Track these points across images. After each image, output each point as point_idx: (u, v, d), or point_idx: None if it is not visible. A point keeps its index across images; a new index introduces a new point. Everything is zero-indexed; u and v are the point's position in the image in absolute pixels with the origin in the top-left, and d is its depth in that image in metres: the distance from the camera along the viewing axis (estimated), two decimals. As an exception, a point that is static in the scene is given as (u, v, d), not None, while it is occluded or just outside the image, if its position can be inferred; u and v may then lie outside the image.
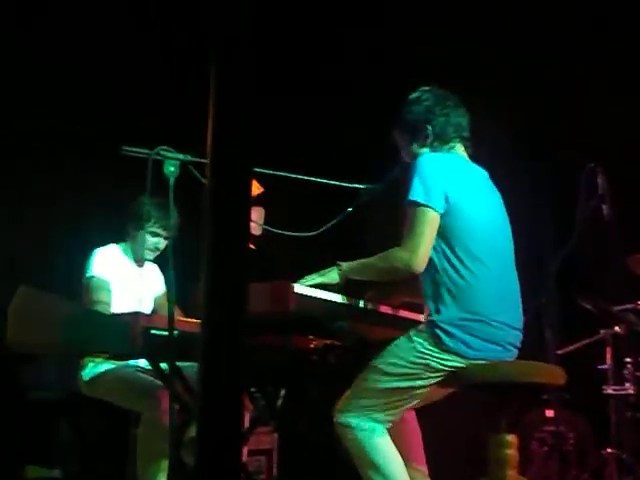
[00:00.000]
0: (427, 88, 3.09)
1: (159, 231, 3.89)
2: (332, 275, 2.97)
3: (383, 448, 2.80)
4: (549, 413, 4.79)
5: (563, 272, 4.20)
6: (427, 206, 2.82)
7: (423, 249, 2.79)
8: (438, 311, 2.81)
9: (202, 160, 2.81)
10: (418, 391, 2.81)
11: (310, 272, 3.03)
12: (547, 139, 5.75)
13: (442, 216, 2.83)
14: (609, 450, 4.49)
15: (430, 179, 2.84)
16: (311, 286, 2.93)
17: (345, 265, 2.98)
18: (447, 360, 2.77)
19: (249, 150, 1.17)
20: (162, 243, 3.93)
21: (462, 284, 2.81)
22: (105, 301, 3.73)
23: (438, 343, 2.78)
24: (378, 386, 2.82)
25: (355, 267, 2.98)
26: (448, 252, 2.84)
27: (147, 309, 3.95)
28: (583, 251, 4.72)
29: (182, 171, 2.88)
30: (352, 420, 2.81)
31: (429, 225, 2.81)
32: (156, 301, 4.08)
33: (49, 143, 5.12)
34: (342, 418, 2.84)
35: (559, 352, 4.58)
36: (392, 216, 3.01)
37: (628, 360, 4.51)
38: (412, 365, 2.79)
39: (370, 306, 3.11)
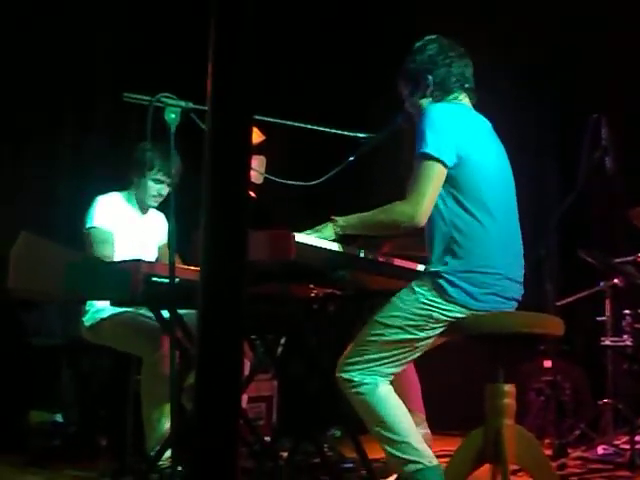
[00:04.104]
0: (432, 37, 3.05)
1: (162, 178, 3.88)
2: (327, 231, 2.92)
3: (388, 402, 2.80)
4: (546, 363, 4.83)
5: (564, 224, 4.20)
6: (437, 160, 2.78)
7: (427, 204, 2.77)
8: (444, 262, 2.80)
9: (203, 107, 2.80)
10: (421, 342, 2.81)
11: (310, 221, 3.02)
12: (552, 89, 5.71)
13: (452, 168, 2.81)
14: (605, 400, 4.54)
15: (442, 132, 2.81)
16: None
17: (341, 220, 2.93)
18: (450, 311, 2.76)
19: (250, 97, 1.16)
20: (165, 189, 3.92)
21: (470, 235, 2.80)
22: (108, 255, 3.71)
23: (442, 294, 2.77)
24: (381, 339, 2.81)
25: (352, 222, 2.93)
26: (456, 203, 2.81)
27: (150, 257, 3.95)
28: (585, 203, 4.72)
29: (183, 118, 2.86)
30: (355, 375, 2.81)
31: (435, 179, 2.78)
32: (160, 249, 4.09)
33: (50, 91, 5.09)
34: (345, 373, 2.83)
35: (558, 303, 4.60)
36: (394, 166, 2.99)
37: (627, 312, 4.53)
38: (415, 317, 2.79)
39: (370, 255, 3.11)
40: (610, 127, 4.07)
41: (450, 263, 2.79)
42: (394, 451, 2.75)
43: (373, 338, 2.83)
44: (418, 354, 2.87)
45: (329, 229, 2.93)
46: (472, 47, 3.09)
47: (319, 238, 2.89)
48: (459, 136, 2.83)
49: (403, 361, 2.85)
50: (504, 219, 2.90)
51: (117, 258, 3.71)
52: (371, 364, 2.80)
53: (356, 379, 2.80)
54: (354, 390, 2.81)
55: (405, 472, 2.75)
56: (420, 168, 2.80)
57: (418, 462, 2.72)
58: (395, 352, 2.82)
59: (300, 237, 2.78)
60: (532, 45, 5.67)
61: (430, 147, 2.79)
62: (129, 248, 3.83)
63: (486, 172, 2.87)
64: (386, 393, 2.81)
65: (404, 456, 2.74)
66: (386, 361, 2.81)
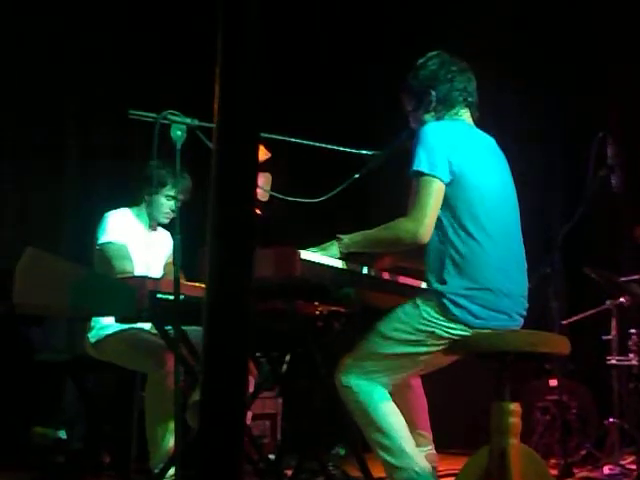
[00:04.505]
0: (434, 53, 3.07)
1: (175, 195, 3.88)
2: (332, 250, 2.94)
3: (385, 409, 2.82)
4: (552, 382, 4.81)
5: (570, 242, 4.19)
6: (432, 176, 2.79)
7: (429, 219, 2.78)
8: (443, 281, 2.80)
9: (209, 124, 2.80)
10: (421, 357, 2.82)
11: (317, 237, 3.03)
12: (557, 108, 5.71)
13: (447, 185, 2.82)
14: (611, 420, 4.52)
15: (434, 148, 2.82)
16: None
17: (346, 238, 2.95)
18: (453, 329, 2.77)
19: (256, 115, 1.17)
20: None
21: (467, 254, 2.80)
22: (128, 270, 3.70)
23: (445, 312, 2.77)
24: (381, 350, 2.84)
25: (357, 240, 2.95)
26: (453, 221, 2.82)
27: (156, 273, 3.95)
28: (591, 221, 4.71)
29: (189, 135, 2.87)
30: (353, 382, 2.83)
31: (434, 195, 2.79)
32: (165, 266, 4.09)
33: (54, 108, 5.11)
34: (344, 380, 2.85)
35: (564, 322, 4.59)
36: (399, 182, 2.99)
37: (633, 331, 4.52)
38: (417, 332, 2.80)
39: (375, 273, 3.11)
40: (616, 145, 4.07)
41: (449, 282, 2.79)
42: (388, 457, 2.79)
43: (373, 348, 2.86)
44: (417, 368, 2.88)
45: (334, 247, 2.94)
46: (474, 62, 3.11)
47: (325, 256, 2.90)
48: (452, 152, 2.83)
49: (402, 374, 2.87)
50: (504, 235, 2.90)
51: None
52: (369, 374, 2.83)
53: (353, 384, 2.83)
54: (351, 396, 2.84)
55: (398, 478, 2.79)
56: (418, 186, 2.80)
57: (410, 470, 2.76)
58: (393, 364, 2.84)
59: (305, 254, 2.78)
60: (536, 59, 5.68)
61: (423, 164, 2.80)
62: (136, 265, 3.83)
63: (483, 189, 2.87)
64: (383, 400, 2.83)
65: (397, 463, 2.78)
66: (384, 372, 2.84)
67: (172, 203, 3.90)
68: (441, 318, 2.78)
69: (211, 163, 1.14)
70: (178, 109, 2.89)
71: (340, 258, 2.93)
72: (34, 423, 4.43)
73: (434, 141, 2.84)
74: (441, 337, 2.78)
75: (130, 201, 4.02)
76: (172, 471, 3.17)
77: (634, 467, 3.99)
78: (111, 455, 4.21)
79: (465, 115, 3.03)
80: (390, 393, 2.86)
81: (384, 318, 2.89)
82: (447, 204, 2.82)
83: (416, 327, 2.80)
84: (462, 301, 2.77)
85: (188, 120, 2.89)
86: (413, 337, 2.80)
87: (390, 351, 2.82)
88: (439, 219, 2.82)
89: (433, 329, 2.78)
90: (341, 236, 2.96)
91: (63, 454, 4.28)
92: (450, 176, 2.82)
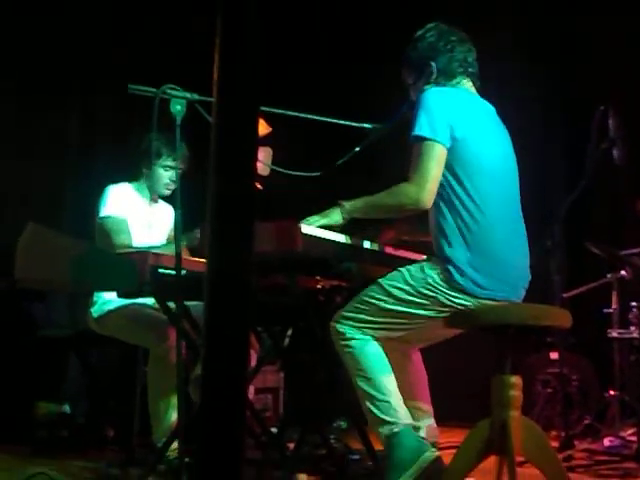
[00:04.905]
0: (432, 25, 3.05)
1: (172, 164, 3.87)
2: (334, 215, 2.94)
3: (374, 359, 2.85)
4: (553, 355, 4.83)
5: (571, 215, 4.18)
6: (433, 140, 2.78)
7: (431, 184, 2.77)
8: (449, 249, 2.81)
9: (209, 99, 2.79)
10: (418, 320, 2.84)
11: (318, 212, 3.02)
12: (560, 77, 5.68)
13: (449, 150, 2.81)
14: (612, 392, 4.53)
15: (435, 113, 2.81)
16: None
17: (348, 204, 2.94)
18: (455, 297, 2.78)
19: (256, 88, 1.16)
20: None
21: (471, 222, 2.80)
22: (126, 244, 3.70)
23: (449, 280, 2.78)
24: (380, 305, 2.85)
25: (359, 206, 2.94)
26: (457, 187, 2.81)
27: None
28: (592, 194, 4.71)
29: (189, 110, 2.86)
30: (347, 329, 2.86)
31: (436, 159, 2.78)
32: (167, 241, 4.09)
33: (58, 83, 5.09)
34: (339, 326, 2.89)
35: (565, 295, 4.59)
36: (401, 155, 2.98)
37: (633, 304, 4.52)
38: (419, 295, 2.81)
39: (377, 247, 3.11)
40: (617, 118, 4.06)
41: (456, 249, 2.79)
42: (374, 408, 2.82)
43: (372, 301, 2.87)
44: (410, 330, 2.88)
45: (336, 213, 2.95)
46: (474, 32, 3.09)
47: (327, 222, 2.92)
48: (454, 117, 2.82)
49: (395, 332, 2.89)
50: (505, 205, 2.90)
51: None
52: (364, 324, 2.86)
53: (347, 333, 2.87)
54: (344, 343, 2.87)
55: (381, 433, 2.82)
56: (419, 150, 2.80)
57: (394, 424, 2.78)
58: (390, 320, 2.86)
59: (306, 229, 2.77)
60: (538, 33, 5.64)
61: (424, 129, 2.79)
62: (138, 239, 3.83)
63: (486, 156, 2.86)
64: (374, 351, 2.86)
65: (382, 415, 2.80)
66: (379, 326, 2.86)
67: (171, 174, 3.89)
68: (445, 285, 2.79)
69: (210, 137, 1.14)
70: (178, 83, 2.88)
71: (342, 224, 2.93)
72: (38, 398, 4.45)
73: (435, 105, 2.83)
74: (443, 304, 2.79)
75: (130, 176, 4.01)
76: (175, 445, 3.19)
77: (634, 439, 4.00)
78: (114, 429, 4.24)
79: (467, 84, 3.02)
80: (389, 363, 2.88)
81: (388, 274, 2.90)
82: (450, 169, 2.81)
83: (419, 290, 2.81)
84: (467, 270, 2.77)
85: (188, 94, 2.87)
86: (415, 299, 2.82)
87: (389, 307, 2.84)
88: (442, 186, 2.81)
89: (436, 295, 2.80)
90: (343, 202, 2.95)
91: (67, 428, 4.31)
92: (451, 141, 2.81)
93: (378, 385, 2.82)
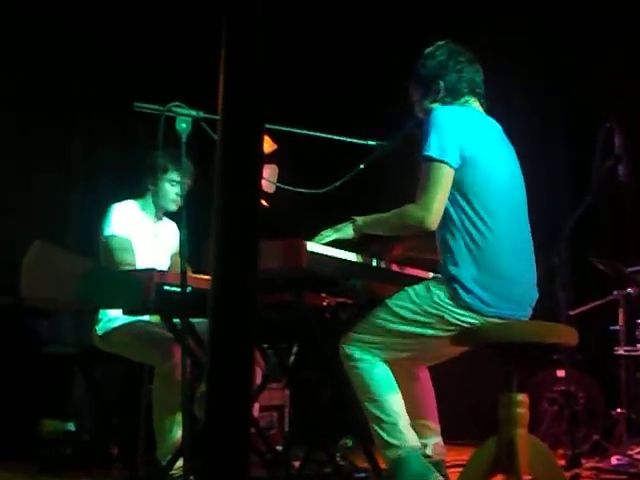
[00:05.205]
0: (442, 43, 3.06)
1: (178, 178, 3.88)
2: (347, 230, 3.00)
3: (384, 383, 2.85)
4: (560, 373, 4.80)
5: (577, 232, 4.18)
6: (442, 161, 2.80)
7: (437, 206, 2.79)
8: (455, 267, 2.81)
9: (214, 117, 2.80)
10: (426, 340, 2.83)
11: (324, 229, 3.04)
12: (564, 97, 5.69)
13: (457, 170, 2.82)
14: (619, 410, 4.51)
15: (445, 133, 2.82)
16: (326, 243, 2.94)
17: (360, 220, 3.01)
18: (462, 315, 2.78)
19: (261, 106, 1.16)
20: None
21: (480, 240, 2.81)
22: (130, 263, 3.72)
23: (455, 298, 2.79)
24: (387, 326, 2.86)
25: (369, 222, 3.01)
26: (465, 206, 2.82)
27: (163, 265, 3.96)
28: (598, 211, 4.70)
29: (194, 128, 2.87)
30: (355, 352, 2.87)
31: (443, 181, 2.80)
32: (172, 258, 4.09)
33: (61, 99, 5.11)
34: (346, 349, 2.89)
35: (571, 312, 4.58)
36: (406, 172, 2.99)
37: (640, 321, 4.51)
38: (426, 314, 2.82)
39: (382, 265, 3.11)
40: (622, 135, 4.06)
41: (463, 268, 2.80)
42: (380, 431, 2.82)
43: (379, 321, 2.89)
44: (418, 350, 2.88)
45: (349, 228, 3.01)
46: (479, 53, 3.10)
47: (339, 237, 2.97)
48: (463, 137, 2.84)
49: (404, 353, 2.90)
50: (514, 222, 2.91)
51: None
52: (372, 345, 2.87)
53: (356, 355, 2.87)
54: (352, 364, 2.88)
55: (387, 456, 2.83)
56: (427, 171, 2.82)
57: (400, 447, 2.78)
58: (397, 342, 2.87)
59: (312, 246, 2.78)
60: (539, 48, 5.66)
61: (433, 149, 2.80)
62: (142, 257, 3.84)
63: (494, 174, 2.88)
64: (382, 372, 2.87)
65: (388, 438, 2.81)
66: (387, 348, 2.87)
67: (177, 189, 3.90)
68: (451, 303, 2.79)
69: (215, 155, 1.14)
70: (183, 101, 2.89)
71: (354, 239, 2.99)
72: (43, 415, 4.44)
73: (445, 125, 2.84)
74: (449, 323, 2.79)
75: (135, 193, 4.02)
76: (180, 463, 3.18)
77: (642, 457, 3.99)
78: (119, 447, 4.22)
79: (474, 104, 3.03)
80: (397, 381, 2.88)
81: (394, 295, 2.91)
82: (459, 188, 2.82)
83: (425, 309, 2.82)
84: (473, 288, 2.77)
85: (193, 112, 2.88)
86: (421, 318, 2.82)
87: (396, 328, 2.85)
88: (452, 203, 2.82)
89: (442, 313, 2.80)
90: (355, 218, 3.02)
91: (72, 446, 4.30)
92: (460, 161, 2.82)
93: (385, 407, 2.82)
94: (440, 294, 2.81)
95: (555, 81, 5.65)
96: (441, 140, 2.81)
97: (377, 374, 2.85)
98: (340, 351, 2.92)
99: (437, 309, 2.80)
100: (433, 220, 2.79)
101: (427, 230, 2.83)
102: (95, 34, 5.26)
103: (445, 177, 2.80)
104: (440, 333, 2.81)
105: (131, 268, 3.67)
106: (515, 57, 5.60)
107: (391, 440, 2.80)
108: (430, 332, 2.82)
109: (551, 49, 5.65)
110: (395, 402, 2.84)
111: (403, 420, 2.83)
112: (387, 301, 2.90)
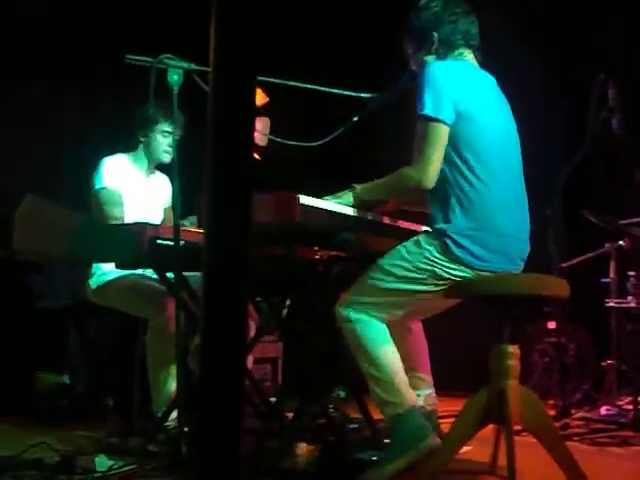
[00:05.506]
0: None
1: (169, 129, 3.87)
2: (347, 198, 3.00)
3: (381, 343, 2.87)
4: (551, 325, 4.84)
5: (570, 185, 4.18)
6: (437, 120, 2.79)
7: (433, 166, 2.79)
8: (448, 220, 2.82)
9: (206, 68, 2.77)
10: (419, 295, 2.85)
11: (317, 182, 3.03)
12: (560, 48, 5.65)
13: (452, 125, 2.81)
14: (609, 361, 4.55)
15: (439, 89, 2.80)
16: None
17: (359, 187, 3.02)
18: (454, 269, 2.79)
19: (253, 58, 1.15)
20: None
21: (472, 194, 2.81)
22: (118, 216, 3.73)
23: (446, 252, 2.80)
24: (381, 285, 2.88)
25: (368, 188, 3.01)
26: (459, 161, 2.82)
27: (156, 219, 3.96)
28: (591, 164, 4.69)
29: (186, 80, 2.84)
30: (351, 314, 2.89)
31: (439, 140, 2.79)
32: (165, 212, 4.09)
33: (52, 53, 5.05)
34: (342, 311, 2.91)
35: (563, 265, 4.60)
36: (402, 124, 2.98)
37: (631, 274, 4.53)
38: (418, 270, 2.83)
39: (374, 217, 3.11)
40: (617, 88, 4.04)
41: (453, 221, 2.80)
42: (378, 390, 2.85)
43: (372, 282, 2.90)
44: (414, 307, 2.91)
45: (348, 195, 3.01)
46: (475, 5, 3.06)
47: (339, 204, 2.95)
48: (458, 92, 2.82)
49: (399, 310, 2.92)
50: (508, 176, 2.90)
51: (126, 219, 3.73)
52: (367, 306, 2.88)
53: (352, 316, 2.89)
54: (348, 325, 2.90)
55: (385, 414, 2.86)
56: (423, 131, 2.81)
57: (397, 405, 2.81)
58: (392, 300, 2.88)
59: (304, 199, 2.77)
60: (538, 5, 5.60)
61: (428, 108, 2.79)
62: (135, 210, 3.83)
63: (488, 128, 2.87)
64: (379, 334, 2.89)
65: (386, 397, 2.83)
66: (382, 307, 2.88)
67: (169, 140, 3.88)
68: (442, 258, 2.80)
69: (207, 107, 1.13)
70: (175, 53, 2.86)
71: (353, 206, 2.98)
72: (37, 369, 4.46)
73: (439, 81, 2.82)
74: (441, 277, 2.81)
75: (127, 147, 4.00)
76: (174, 414, 3.21)
77: (631, 407, 4.03)
78: (114, 399, 4.26)
79: (469, 56, 3.00)
80: (390, 334, 2.90)
81: (386, 254, 2.92)
82: (453, 143, 2.82)
83: (417, 265, 2.83)
84: (464, 241, 2.78)
85: (185, 64, 2.86)
86: (414, 275, 2.83)
87: (390, 287, 2.86)
88: (445, 159, 2.82)
89: (434, 268, 2.81)
90: (355, 185, 3.02)
91: (67, 399, 4.33)
92: (455, 117, 2.81)
93: (382, 366, 2.84)
94: (431, 249, 2.82)
95: (551, 34, 5.60)
96: (436, 97, 2.79)
97: (373, 334, 2.87)
98: (336, 314, 2.93)
99: (428, 264, 2.81)
100: (430, 179, 2.80)
101: (425, 190, 2.84)
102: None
103: (441, 136, 2.80)
104: (433, 288, 2.83)
105: (119, 222, 3.67)
106: (513, 13, 5.55)
107: (388, 398, 2.83)
108: (423, 288, 2.84)
109: (549, 4, 5.59)
110: (392, 361, 2.86)
111: (400, 379, 2.86)
112: (379, 261, 2.91)
